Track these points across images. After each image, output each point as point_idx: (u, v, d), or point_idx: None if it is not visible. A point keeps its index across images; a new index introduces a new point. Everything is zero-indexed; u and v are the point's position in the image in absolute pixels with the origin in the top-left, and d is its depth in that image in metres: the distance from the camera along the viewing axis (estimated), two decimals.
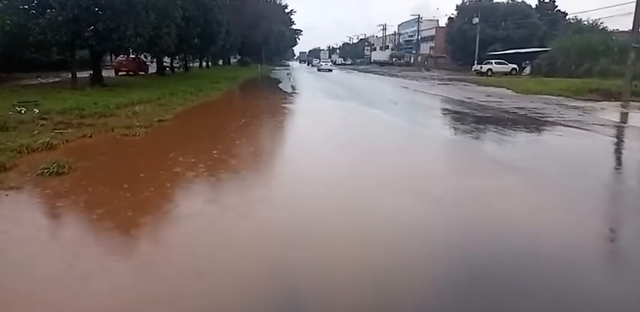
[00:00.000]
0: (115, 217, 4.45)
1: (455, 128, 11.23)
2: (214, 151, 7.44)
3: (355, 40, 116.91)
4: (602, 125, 11.61)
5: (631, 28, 20.24)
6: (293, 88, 26.02)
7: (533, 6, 54.41)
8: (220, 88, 22.22)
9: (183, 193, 5.47)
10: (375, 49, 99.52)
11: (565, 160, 7.52)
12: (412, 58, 76.08)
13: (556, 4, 56.81)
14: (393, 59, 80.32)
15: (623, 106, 16.68)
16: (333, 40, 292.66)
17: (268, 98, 18.61)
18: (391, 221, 4.54)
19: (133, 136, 8.54)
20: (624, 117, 14.64)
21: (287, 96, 20.10)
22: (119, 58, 28.27)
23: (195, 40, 27.24)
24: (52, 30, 15.99)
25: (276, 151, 8.63)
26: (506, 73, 39.65)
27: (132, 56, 27.86)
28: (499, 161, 7.34)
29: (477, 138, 10.12)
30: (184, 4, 22.55)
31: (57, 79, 21.12)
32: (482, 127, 11.57)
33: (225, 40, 34.60)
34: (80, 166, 5.99)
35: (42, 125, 9.12)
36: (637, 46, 19.69)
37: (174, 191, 5.46)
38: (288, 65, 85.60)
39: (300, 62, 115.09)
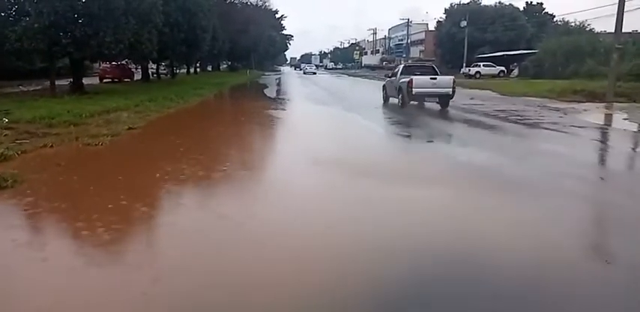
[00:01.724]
0: (36, 246, 4.04)
1: (429, 134, 10.97)
2: (179, 162, 7.14)
3: (346, 45, 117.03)
4: (581, 127, 11.49)
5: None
6: (278, 93, 25.83)
7: (521, 8, 54.70)
8: (203, 95, 21.98)
9: (133, 211, 4.93)
10: (365, 54, 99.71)
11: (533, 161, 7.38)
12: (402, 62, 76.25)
13: (544, 6, 57.26)
14: (384, 63, 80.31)
15: (606, 108, 16.62)
16: (325, 44, 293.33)
17: (250, 105, 18.35)
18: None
19: (96, 145, 8.25)
20: (608, 118, 14.59)
21: (270, 102, 19.83)
22: (103, 65, 28.09)
23: (180, 46, 27.02)
24: (29, 37, 15.70)
25: (240, 161, 8.20)
26: (494, 76, 39.71)
27: (116, 63, 27.64)
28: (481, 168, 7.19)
29: (452, 143, 9.98)
30: (167, 9, 22.33)
31: (38, 87, 20.83)
32: (459, 131, 11.46)
33: (212, 46, 34.39)
34: (28, 179, 5.72)
35: (5, 135, 8.86)
36: (620, 47, 19.71)
37: (125, 210, 4.90)
38: (279, 70, 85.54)
39: (291, 67, 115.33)
